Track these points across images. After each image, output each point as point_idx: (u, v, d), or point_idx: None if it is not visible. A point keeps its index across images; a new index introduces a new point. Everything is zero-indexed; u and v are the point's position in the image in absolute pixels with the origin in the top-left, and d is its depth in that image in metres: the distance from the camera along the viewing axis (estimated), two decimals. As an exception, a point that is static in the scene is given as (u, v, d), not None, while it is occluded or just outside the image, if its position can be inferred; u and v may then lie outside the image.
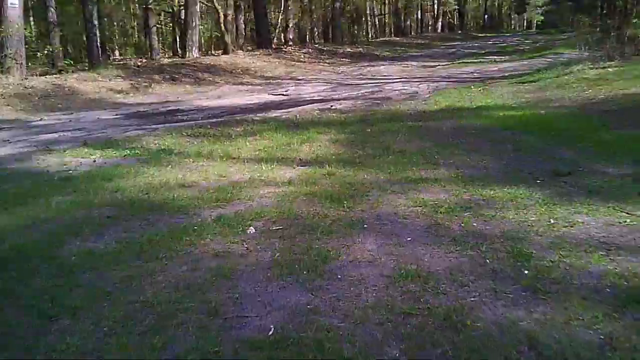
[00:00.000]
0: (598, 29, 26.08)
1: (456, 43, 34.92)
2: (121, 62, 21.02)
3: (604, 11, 22.99)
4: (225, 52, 21.91)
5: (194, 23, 19.60)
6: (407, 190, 4.10)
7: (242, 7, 27.09)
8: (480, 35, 49.09)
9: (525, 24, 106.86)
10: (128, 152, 6.01)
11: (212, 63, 18.29)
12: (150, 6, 22.41)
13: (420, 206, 3.71)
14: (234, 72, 17.20)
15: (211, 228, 3.44)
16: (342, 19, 41.93)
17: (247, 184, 4.48)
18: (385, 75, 15.16)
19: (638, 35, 23.37)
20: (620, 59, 10.76)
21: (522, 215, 3.42)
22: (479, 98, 8.83)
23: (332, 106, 9.28)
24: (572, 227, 3.19)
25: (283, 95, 11.62)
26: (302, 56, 22.82)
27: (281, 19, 27.98)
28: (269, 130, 6.93)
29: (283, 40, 27.87)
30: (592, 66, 10.19)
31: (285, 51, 23.40)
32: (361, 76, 15.67)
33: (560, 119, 6.37)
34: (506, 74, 12.78)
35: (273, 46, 25.26)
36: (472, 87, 10.56)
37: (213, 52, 27.36)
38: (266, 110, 9.26)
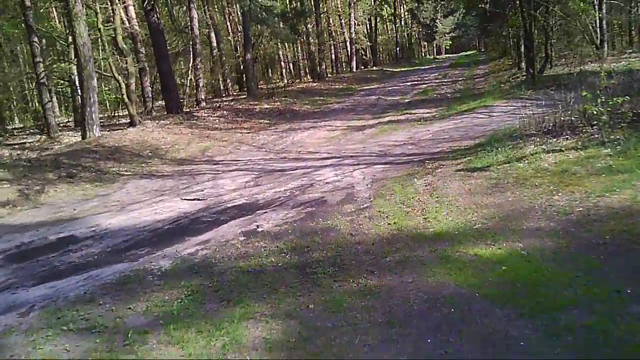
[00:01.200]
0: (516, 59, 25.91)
1: (374, 86, 34.16)
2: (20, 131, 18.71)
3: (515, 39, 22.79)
4: (132, 124, 19.96)
5: (92, 99, 17.52)
6: None
7: (147, 68, 25.19)
8: (395, 70, 49.03)
9: (435, 50, 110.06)
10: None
11: (116, 145, 16.30)
12: (42, 81, 20.22)
13: None
14: (142, 156, 15.29)
15: None
16: (256, 67, 40.75)
17: None
18: (311, 152, 13.68)
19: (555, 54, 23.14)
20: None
21: None
22: (431, 207, 7.42)
23: (258, 227, 7.65)
24: None
25: (198, 200, 9.87)
26: (217, 121, 21.13)
27: (190, 79, 26.27)
28: (179, 315, 5.24)
29: (196, 101, 26.11)
30: (545, 148, 9.05)
31: (198, 116, 21.65)
32: (285, 152, 14.13)
33: (555, 271, 4.98)
34: (445, 148, 11.56)
35: (184, 109, 23.51)
36: (416, 179, 9.18)
37: (120, 119, 25.31)
38: (176, 239, 7.50)
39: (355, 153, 12.48)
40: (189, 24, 25.76)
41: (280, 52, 44.88)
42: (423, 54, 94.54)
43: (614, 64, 20.59)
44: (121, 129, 19.50)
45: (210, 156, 14.85)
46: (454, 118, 15.96)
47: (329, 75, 43.18)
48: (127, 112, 22.73)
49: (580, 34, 22.34)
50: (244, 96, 30.06)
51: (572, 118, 10.36)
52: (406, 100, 23.62)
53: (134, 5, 23.22)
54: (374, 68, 52.62)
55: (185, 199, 10.02)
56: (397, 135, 14.27)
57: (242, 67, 33.07)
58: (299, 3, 36.33)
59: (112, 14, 20.41)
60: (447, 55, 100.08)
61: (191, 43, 25.65)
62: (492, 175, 8.43)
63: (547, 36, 20.29)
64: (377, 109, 21.99)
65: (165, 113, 23.26)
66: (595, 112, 8.96)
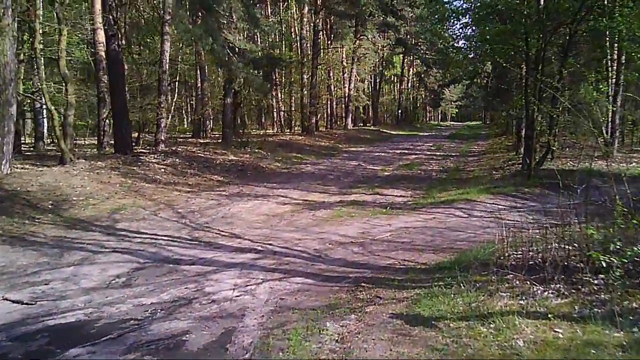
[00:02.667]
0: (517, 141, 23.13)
1: (361, 149, 31.57)
2: None
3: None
4: (62, 162, 17.11)
5: (6, 129, 14.70)
6: None
7: (107, 99, 22.42)
8: (392, 133, 46.76)
9: (440, 116, 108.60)
10: None
11: (18, 188, 13.43)
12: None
13: None
14: (38, 208, 12.33)
15: None
16: (249, 112, 38.31)
17: None
18: (234, 235, 10.66)
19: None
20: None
21: None
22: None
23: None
24: None
25: (24, 304, 6.85)
26: (163, 171, 18.26)
27: (152, 115, 23.56)
28: None
29: (154, 142, 23.28)
30: (523, 304, 6.03)
31: (143, 162, 18.78)
32: (203, 231, 11.12)
33: None
34: (397, 261, 8.55)
35: (137, 150, 20.68)
36: (332, 322, 6.17)
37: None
38: None
39: (284, 248, 9.49)
40: (160, 57, 23.13)
41: (274, 100, 42.52)
42: (427, 119, 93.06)
43: (623, 165, 17.86)
44: (47, 167, 16.63)
45: (115, 221, 11.86)
46: (427, 211, 13.02)
47: (320, 130, 40.67)
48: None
49: (588, 126, 19.66)
50: (220, 142, 27.39)
51: (570, 251, 7.42)
52: (386, 174, 20.79)
53: (105, 29, 20.55)
54: (372, 128, 50.37)
55: (6, 299, 7.01)
56: (349, 227, 11.30)
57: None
58: (278, 50, 34.09)
59: (59, 35, 17.71)
60: (451, 123, 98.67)
61: (158, 79, 22.95)
62: (437, 342, 5.41)
63: (550, 125, 17.57)
64: (350, 180, 19.13)
65: (113, 152, 20.46)
66: (604, 263, 6.05)
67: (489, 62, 24.81)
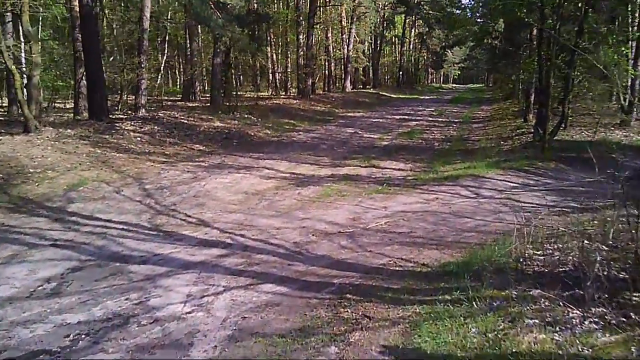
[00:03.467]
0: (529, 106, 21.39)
1: (359, 114, 29.85)
2: None
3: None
4: (26, 130, 15.48)
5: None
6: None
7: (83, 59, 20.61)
8: (392, 96, 44.84)
9: (442, 78, 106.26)
10: None
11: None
12: None
13: None
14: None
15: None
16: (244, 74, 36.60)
17: None
18: (201, 222, 9.07)
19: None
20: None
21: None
22: None
23: None
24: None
25: None
26: (139, 139, 16.64)
27: (132, 77, 21.79)
28: None
29: (134, 107, 21.56)
30: (559, 339, 4.51)
31: (119, 128, 17.14)
32: (168, 215, 9.56)
33: None
34: (393, 261, 6.99)
35: (110, 116, 19.00)
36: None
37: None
38: None
39: (258, 241, 7.93)
40: (140, 13, 21.26)
41: (269, 61, 40.55)
42: (429, 81, 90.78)
43: (636, 136, 16.27)
44: (11, 135, 15.02)
45: (69, 201, 10.29)
46: (428, 189, 11.44)
47: (317, 93, 38.82)
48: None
49: (606, 91, 17.99)
50: (209, 105, 25.68)
51: (611, 256, 5.88)
52: (384, 143, 19.15)
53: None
54: (371, 90, 48.37)
55: None
56: (339, 211, 9.74)
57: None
58: (269, 6, 32.03)
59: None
60: (453, 85, 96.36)
61: (138, 38, 21.10)
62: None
63: (566, 90, 15.83)
64: (344, 150, 17.51)
65: (87, 118, 18.80)
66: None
67: (501, 21, 22.76)
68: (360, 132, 22.27)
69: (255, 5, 38.95)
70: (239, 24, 17.15)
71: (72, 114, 21.27)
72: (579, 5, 15.16)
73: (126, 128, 17.48)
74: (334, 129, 23.10)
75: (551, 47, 15.94)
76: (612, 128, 17.70)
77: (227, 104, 25.22)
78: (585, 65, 17.39)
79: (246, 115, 23.62)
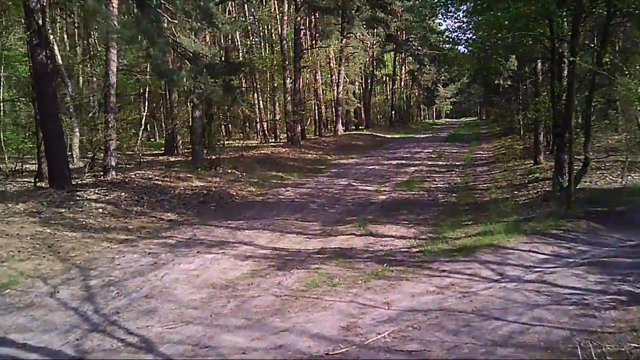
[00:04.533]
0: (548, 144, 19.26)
1: (353, 160, 27.94)
2: None
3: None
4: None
5: None
6: None
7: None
8: (387, 137, 43.11)
9: (434, 114, 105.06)
10: None
11: None
12: None
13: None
14: None
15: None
16: (214, 124, 34.62)
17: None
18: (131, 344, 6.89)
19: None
20: None
21: None
22: None
23: None
24: None
25: None
26: (101, 210, 14.51)
27: (100, 137, 19.75)
28: None
29: (103, 169, 19.47)
30: None
31: (79, 199, 15.02)
32: (103, 342, 7.36)
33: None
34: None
35: (73, 183, 16.91)
36: None
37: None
38: None
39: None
40: (106, 67, 19.37)
41: (257, 108, 38.79)
42: (422, 118, 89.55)
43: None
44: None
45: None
46: (440, 269, 9.22)
47: (307, 138, 36.98)
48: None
49: (629, 129, 16.04)
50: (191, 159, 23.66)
51: None
52: (381, 197, 17.04)
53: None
54: (364, 132, 46.70)
55: None
56: (328, 313, 7.49)
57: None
58: (251, 53, 30.33)
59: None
60: (446, 120, 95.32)
61: (105, 94, 19.16)
62: None
63: (587, 131, 13.78)
64: (337, 210, 15.40)
65: (48, 186, 16.71)
66: None
67: (513, 57, 20.86)
68: (354, 183, 20.21)
69: (238, 53, 37.65)
70: (211, 74, 15.15)
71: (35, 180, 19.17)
72: (595, 33, 13.27)
73: (88, 197, 15.35)
74: (326, 180, 21.03)
75: (563, 81, 14.07)
76: (638, 169, 15.65)
77: (210, 157, 23.19)
78: (602, 101, 15.50)
79: (229, 170, 21.61)
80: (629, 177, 14.95)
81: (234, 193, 18.15)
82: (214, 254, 10.84)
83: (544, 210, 12.81)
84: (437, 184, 19.28)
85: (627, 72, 13.09)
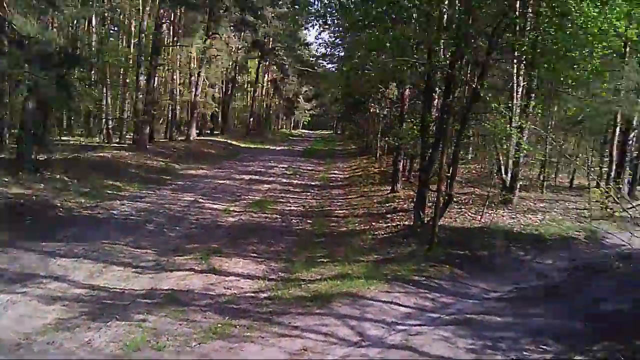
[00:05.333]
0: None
1: (202, 171, 26.06)
2: None
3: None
4: None
5: None
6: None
7: None
8: (242, 146, 41.44)
9: (292, 124, 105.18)
10: None
11: None
12: None
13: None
14: None
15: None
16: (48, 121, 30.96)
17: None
18: None
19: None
20: None
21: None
22: None
23: None
24: None
25: None
26: None
27: None
28: None
29: None
30: None
31: None
32: None
33: None
34: None
35: None
36: None
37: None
38: None
39: None
40: None
41: (104, 103, 35.31)
42: (279, 127, 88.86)
43: (523, 218, 14.03)
44: None
45: None
46: (291, 326, 7.81)
47: (157, 141, 34.34)
48: None
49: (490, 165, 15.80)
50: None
51: None
52: (230, 220, 15.41)
53: None
54: (219, 138, 44.59)
55: None
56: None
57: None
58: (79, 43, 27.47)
59: None
60: (303, 132, 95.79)
61: None
62: None
63: (454, 166, 13.11)
64: (178, 233, 13.53)
65: None
66: None
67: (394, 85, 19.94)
68: (201, 199, 18.34)
69: (90, 43, 34.09)
70: (43, 66, 12.64)
71: None
72: (472, 69, 12.70)
73: None
74: (170, 195, 18.92)
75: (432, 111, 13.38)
76: (494, 205, 15.37)
77: (37, 158, 20.11)
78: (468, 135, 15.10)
79: (59, 176, 18.76)
80: (488, 214, 14.58)
81: (59, 204, 15.54)
82: (12, 294, 8.58)
83: (404, 249, 11.91)
84: (291, 207, 17.99)
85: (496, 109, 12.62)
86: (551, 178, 20.66)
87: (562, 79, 12.27)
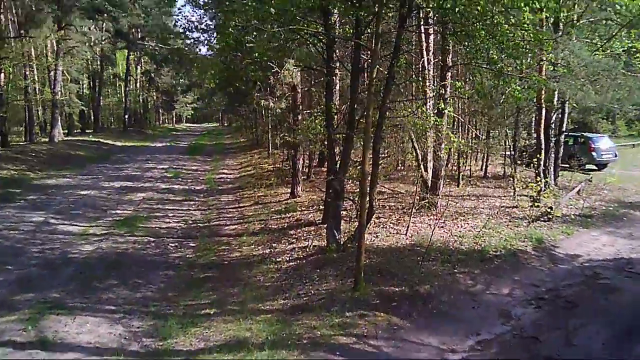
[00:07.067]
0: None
1: (64, 179, 21.72)
2: None
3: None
4: None
5: None
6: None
7: None
8: (117, 145, 37.25)
9: (175, 118, 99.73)
10: None
11: None
12: None
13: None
14: None
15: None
16: None
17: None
18: None
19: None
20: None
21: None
22: None
23: None
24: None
25: None
26: None
27: None
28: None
29: None
30: None
31: None
32: None
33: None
34: None
35: None
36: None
37: None
38: None
39: None
40: None
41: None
42: (161, 122, 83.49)
43: (454, 227, 11.62)
44: None
45: None
46: None
47: (12, 145, 29.42)
48: None
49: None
50: None
51: None
52: (85, 249, 11.77)
53: None
54: (91, 138, 39.70)
55: None
56: None
57: None
58: None
59: None
60: (187, 126, 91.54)
61: None
62: None
63: (374, 171, 10.26)
64: (8, 277, 9.80)
65: None
66: None
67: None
68: (54, 219, 14.50)
69: None
70: None
71: None
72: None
73: None
74: (13, 215, 14.89)
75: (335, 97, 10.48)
76: (417, 211, 12.81)
77: None
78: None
79: None
80: (412, 223, 11.96)
81: None
82: None
83: (320, 286, 8.85)
84: (169, 223, 14.55)
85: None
86: (463, 167, 18.51)
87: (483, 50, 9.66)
